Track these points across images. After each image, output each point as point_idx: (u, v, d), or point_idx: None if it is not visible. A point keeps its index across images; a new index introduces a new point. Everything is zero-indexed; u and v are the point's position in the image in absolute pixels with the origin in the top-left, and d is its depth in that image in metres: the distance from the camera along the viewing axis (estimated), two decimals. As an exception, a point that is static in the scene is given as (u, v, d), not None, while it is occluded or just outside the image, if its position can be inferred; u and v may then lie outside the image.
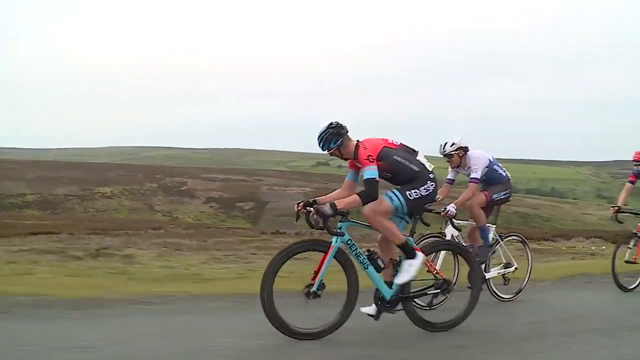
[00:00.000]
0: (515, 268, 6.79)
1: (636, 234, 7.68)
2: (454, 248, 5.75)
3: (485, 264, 6.50)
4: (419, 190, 5.01)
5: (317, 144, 4.90)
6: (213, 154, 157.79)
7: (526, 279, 6.89)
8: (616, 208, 7.89)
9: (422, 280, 5.25)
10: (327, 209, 4.62)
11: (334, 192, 5.11)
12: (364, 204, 4.80)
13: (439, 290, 5.28)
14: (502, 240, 6.76)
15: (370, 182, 4.75)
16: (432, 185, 5.09)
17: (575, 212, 66.69)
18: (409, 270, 4.93)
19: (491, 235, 6.60)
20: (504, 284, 6.72)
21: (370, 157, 4.76)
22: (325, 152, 4.89)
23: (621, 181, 73.82)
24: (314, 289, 4.65)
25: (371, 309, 4.98)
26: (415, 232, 5.30)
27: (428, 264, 5.34)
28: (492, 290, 6.57)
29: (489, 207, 6.63)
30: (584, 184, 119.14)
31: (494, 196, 6.58)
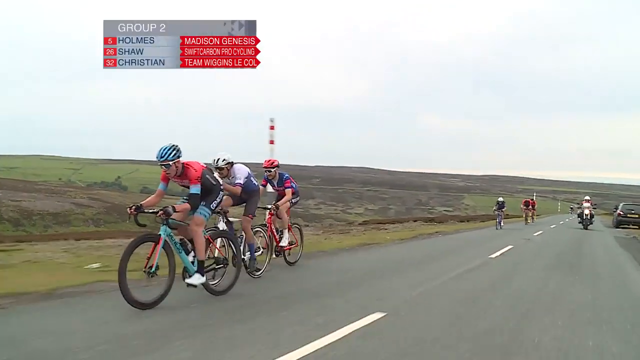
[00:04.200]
0: (262, 252, 8.94)
1: (265, 225, 9.59)
2: (227, 236, 7.79)
3: (242, 250, 8.42)
4: (216, 200, 7.14)
5: (160, 153, 6.40)
6: None
7: (267, 261, 9.02)
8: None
9: (211, 258, 7.25)
10: (170, 210, 6.35)
11: (150, 198, 6.66)
12: (191, 209, 6.70)
13: (221, 265, 7.40)
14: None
15: (195, 195, 6.67)
16: (222, 194, 7.34)
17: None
18: (197, 280, 6.72)
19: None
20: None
21: (198, 178, 6.66)
22: (161, 161, 6.38)
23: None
24: (152, 270, 6.15)
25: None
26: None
27: (213, 247, 7.35)
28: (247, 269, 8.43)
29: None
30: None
31: (254, 210, 8.63)
